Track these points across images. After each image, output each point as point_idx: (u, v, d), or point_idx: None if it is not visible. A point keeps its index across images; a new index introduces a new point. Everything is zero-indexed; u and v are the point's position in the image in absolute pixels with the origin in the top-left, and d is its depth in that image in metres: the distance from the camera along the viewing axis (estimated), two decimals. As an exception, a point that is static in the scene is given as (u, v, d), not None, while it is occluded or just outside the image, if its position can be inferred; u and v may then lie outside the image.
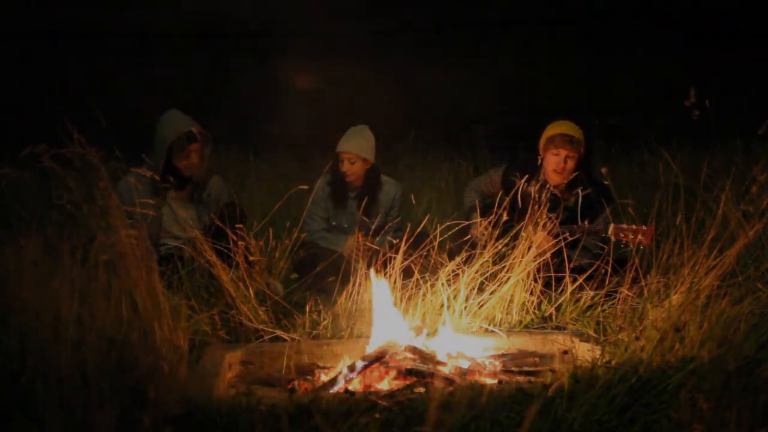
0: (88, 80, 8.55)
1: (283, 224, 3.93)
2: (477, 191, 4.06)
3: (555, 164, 3.67)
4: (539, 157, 3.76)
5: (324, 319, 3.00)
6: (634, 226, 3.37)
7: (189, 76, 9.28)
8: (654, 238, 3.25)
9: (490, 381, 2.47)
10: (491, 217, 3.30)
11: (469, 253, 3.19)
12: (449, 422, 1.85)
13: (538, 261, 3.14)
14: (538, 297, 3.21)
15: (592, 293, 3.17)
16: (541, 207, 3.20)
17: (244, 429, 1.93)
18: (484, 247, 3.17)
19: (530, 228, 3.15)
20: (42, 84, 8.75)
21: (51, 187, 2.26)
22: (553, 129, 3.72)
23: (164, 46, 10.15)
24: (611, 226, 3.47)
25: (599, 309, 3.10)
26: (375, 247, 3.52)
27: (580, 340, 2.75)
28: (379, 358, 2.50)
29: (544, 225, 3.21)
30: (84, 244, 2.37)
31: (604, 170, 3.47)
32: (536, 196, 3.30)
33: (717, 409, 1.89)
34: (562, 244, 3.23)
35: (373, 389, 2.40)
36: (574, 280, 3.19)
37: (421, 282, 3.02)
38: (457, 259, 3.10)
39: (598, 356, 2.37)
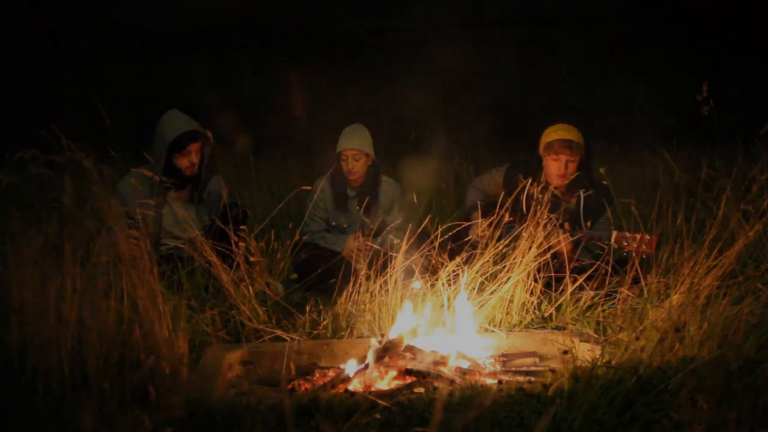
0: (89, 80, 8.54)
1: (283, 224, 3.92)
2: (480, 189, 4.04)
3: (556, 169, 3.65)
4: (540, 158, 3.75)
5: (324, 319, 3.00)
6: (637, 235, 3.32)
7: (189, 76, 9.28)
8: (657, 247, 3.22)
9: (490, 381, 2.47)
10: (492, 218, 3.29)
11: (469, 254, 3.19)
12: (449, 422, 1.85)
13: (538, 261, 3.13)
14: (538, 297, 3.21)
15: (592, 293, 3.17)
16: (542, 208, 3.19)
17: (245, 429, 1.93)
18: (485, 247, 3.17)
19: (531, 229, 3.14)
20: (42, 84, 8.75)
21: (50, 189, 2.27)
22: (551, 134, 3.67)
23: (164, 46, 10.16)
24: (614, 234, 3.43)
25: (599, 309, 3.09)
26: (375, 247, 3.52)
27: (580, 340, 2.74)
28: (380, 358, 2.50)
29: (555, 225, 3.19)
30: (84, 244, 2.37)
31: (602, 170, 3.47)
32: (538, 197, 3.28)
33: (717, 409, 1.89)
34: (569, 243, 3.22)
35: (373, 389, 2.40)
36: (575, 280, 3.18)
37: (422, 282, 3.02)
38: (458, 259, 3.10)
39: (598, 356, 2.37)
